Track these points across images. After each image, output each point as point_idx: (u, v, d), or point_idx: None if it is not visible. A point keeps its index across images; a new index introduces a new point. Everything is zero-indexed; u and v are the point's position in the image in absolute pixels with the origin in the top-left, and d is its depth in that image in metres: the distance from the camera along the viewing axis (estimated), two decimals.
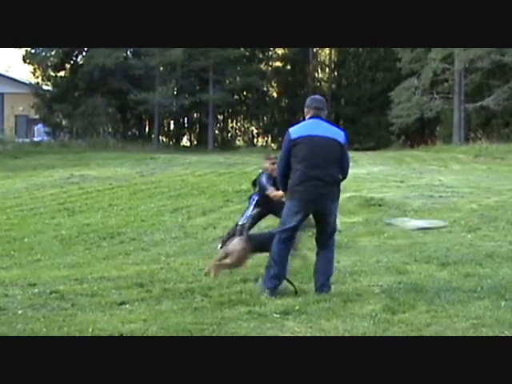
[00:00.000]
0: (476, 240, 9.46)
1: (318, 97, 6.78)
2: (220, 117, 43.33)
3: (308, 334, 4.97)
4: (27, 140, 33.06)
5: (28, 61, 37.02)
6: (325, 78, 44.35)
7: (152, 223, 11.78)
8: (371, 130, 38.61)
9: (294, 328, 5.13)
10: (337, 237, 6.73)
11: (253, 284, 6.58)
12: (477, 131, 31.52)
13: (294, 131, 6.34)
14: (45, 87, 37.34)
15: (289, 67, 43.42)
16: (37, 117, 36.49)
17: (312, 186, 6.19)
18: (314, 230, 6.56)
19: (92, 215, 12.92)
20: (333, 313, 5.52)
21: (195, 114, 42.22)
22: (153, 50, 33.86)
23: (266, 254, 6.60)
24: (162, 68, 37.06)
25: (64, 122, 37.03)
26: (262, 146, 42.18)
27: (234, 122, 45.02)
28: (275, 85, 44.26)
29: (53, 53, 36.30)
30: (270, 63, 43.72)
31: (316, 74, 44.31)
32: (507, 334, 4.89)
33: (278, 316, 5.46)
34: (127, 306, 5.88)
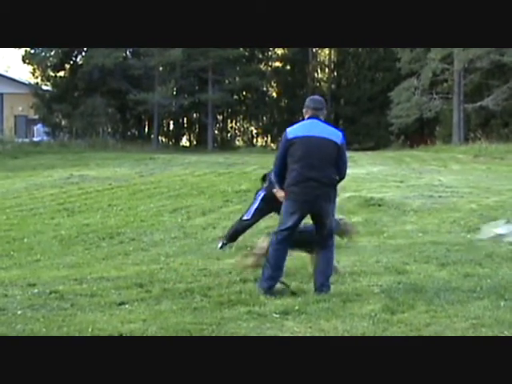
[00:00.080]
0: (475, 240, 9.47)
1: (316, 97, 6.79)
2: (219, 117, 43.32)
3: (307, 334, 4.97)
4: (27, 140, 33.04)
5: (27, 61, 37.00)
6: (324, 78, 44.36)
7: (151, 223, 11.77)
8: (371, 130, 38.61)
9: (294, 328, 5.13)
10: (336, 237, 6.73)
11: (252, 284, 6.58)
12: (476, 131, 31.52)
13: (291, 131, 6.36)
14: (44, 87, 37.30)
15: (288, 67, 43.41)
16: (36, 117, 36.46)
17: (308, 186, 6.19)
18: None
19: (91, 215, 12.91)
20: (332, 313, 5.52)
21: (195, 114, 42.22)
22: (152, 50, 33.85)
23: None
24: (161, 68, 37.05)
25: (63, 122, 37.00)
26: (261, 146, 42.19)
27: (234, 122, 45.01)
28: (275, 85, 44.25)
29: (52, 53, 36.27)
30: (270, 63, 43.70)
31: (315, 74, 44.30)
32: (506, 333, 4.90)
33: (277, 316, 5.46)
34: (127, 306, 5.88)
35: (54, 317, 5.45)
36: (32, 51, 35.80)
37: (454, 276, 7.02)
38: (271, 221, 8.98)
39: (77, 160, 24.86)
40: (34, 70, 38.35)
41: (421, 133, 37.47)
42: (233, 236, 9.15)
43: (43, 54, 36.19)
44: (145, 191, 16.03)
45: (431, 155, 25.62)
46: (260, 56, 41.99)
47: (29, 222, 12.50)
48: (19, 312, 5.62)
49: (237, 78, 39.31)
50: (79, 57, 37.58)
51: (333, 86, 42.85)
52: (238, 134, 45.34)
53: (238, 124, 45.28)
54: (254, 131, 45.15)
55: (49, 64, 37.07)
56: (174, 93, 37.47)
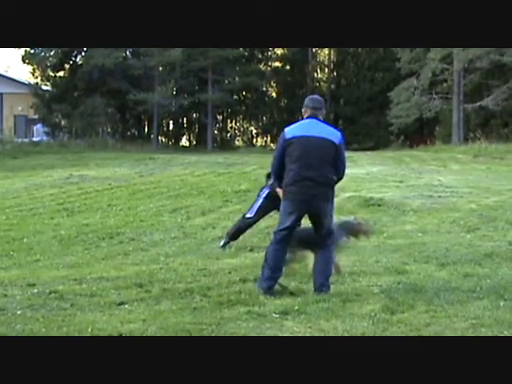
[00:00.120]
0: (475, 240, 9.47)
1: (316, 97, 6.78)
2: (219, 117, 43.31)
3: (307, 334, 4.97)
4: (26, 140, 33.03)
5: (27, 61, 36.99)
6: (324, 78, 44.35)
7: (151, 223, 11.77)
8: (370, 130, 38.61)
9: (293, 328, 5.13)
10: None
11: (252, 284, 6.58)
12: (476, 131, 31.52)
13: (289, 131, 6.36)
14: (44, 87, 37.29)
15: (288, 67, 43.40)
16: (36, 117, 36.46)
17: (304, 186, 6.19)
18: None
19: (91, 215, 12.91)
20: (332, 313, 5.52)
21: (194, 114, 42.21)
22: (152, 50, 33.85)
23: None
24: (161, 68, 37.05)
25: (63, 122, 37.00)
26: (261, 146, 42.18)
27: (233, 122, 45.00)
28: (274, 85, 44.24)
29: (52, 53, 36.26)
30: (269, 63, 43.68)
31: (315, 74, 44.30)
32: (506, 333, 4.90)
33: (277, 316, 5.46)
34: (126, 306, 5.88)
35: (53, 317, 5.44)
36: (32, 51, 35.79)
37: (454, 276, 7.02)
38: (271, 221, 8.98)
39: (76, 160, 24.86)
40: (33, 69, 38.33)
41: (420, 133, 37.48)
42: (235, 234, 9.15)
43: (43, 54, 36.18)
44: (144, 191, 16.03)
45: (431, 155, 25.62)
46: (260, 56, 41.97)
47: (28, 222, 12.50)
48: (19, 312, 5.62)
49: (236, 78, 39.31)
50: (79, 57, 37.57)
51: (332, 86, 42.85)
52: (238, 134, 45.33)
53: (237, 124, 45.27)
54: (254, 131, 45.14)
55: (48, 64, 37.05)
56: (174, 93, 37.46)
